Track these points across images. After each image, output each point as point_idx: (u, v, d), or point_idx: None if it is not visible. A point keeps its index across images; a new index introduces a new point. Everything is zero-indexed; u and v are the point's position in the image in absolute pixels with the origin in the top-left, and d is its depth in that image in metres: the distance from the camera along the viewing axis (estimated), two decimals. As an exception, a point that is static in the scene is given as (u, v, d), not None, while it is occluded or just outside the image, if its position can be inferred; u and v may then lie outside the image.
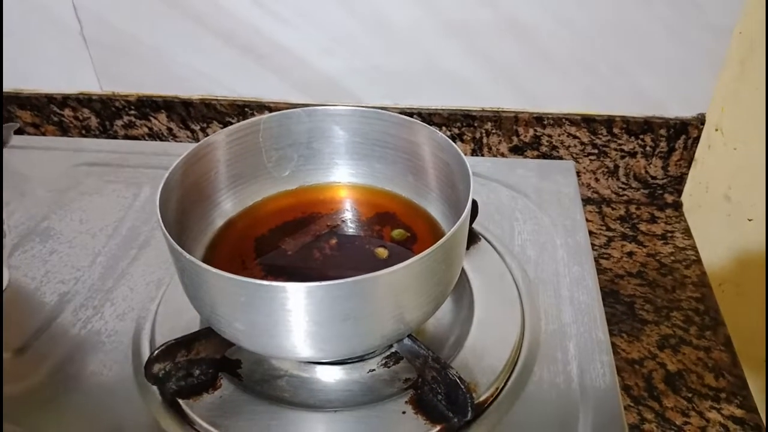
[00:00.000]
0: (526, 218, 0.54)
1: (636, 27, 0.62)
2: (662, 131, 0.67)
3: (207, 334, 0.43)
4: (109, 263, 0.53)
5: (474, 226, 0.52)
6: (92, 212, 0.58)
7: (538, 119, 0.69)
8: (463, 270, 0.49)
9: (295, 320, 0.33)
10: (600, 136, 0.69)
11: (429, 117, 0.71)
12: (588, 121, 0.68)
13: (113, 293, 0.50)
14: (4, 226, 0.49)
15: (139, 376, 0.43)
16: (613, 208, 0.70)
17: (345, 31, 0.67)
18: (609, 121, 0.67)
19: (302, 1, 0.66)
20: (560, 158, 0.70)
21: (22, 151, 0.60)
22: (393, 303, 0.34)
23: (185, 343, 0.42)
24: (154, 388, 0.42)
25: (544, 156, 0.71)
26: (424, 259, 0.32)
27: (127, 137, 0.79)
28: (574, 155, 0.70)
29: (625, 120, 0.67)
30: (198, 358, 0.42)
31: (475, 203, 0.51)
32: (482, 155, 0.72)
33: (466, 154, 0.72)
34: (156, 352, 0.41)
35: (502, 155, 0.72)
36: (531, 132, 0.70)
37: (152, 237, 0.55)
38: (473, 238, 0.51)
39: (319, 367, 0.44)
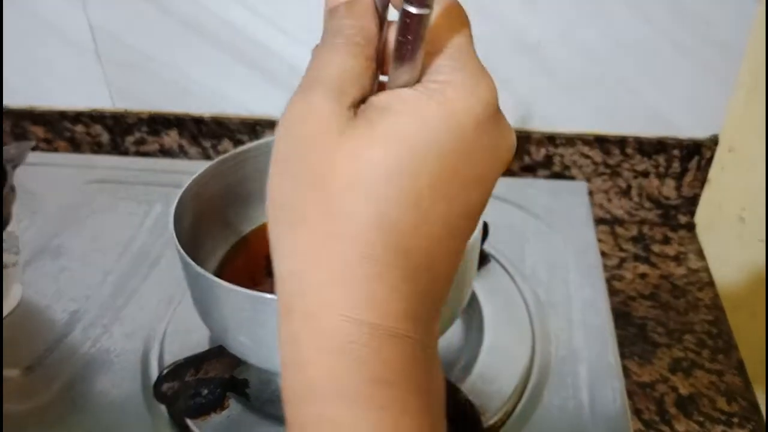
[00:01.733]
0: (538, 239, 0.54)
1: (648, 46, 0.62)
2: (675, 152, 0.66)
3: (215, 353, 0.43)
4: (119, 281, 0.53)
5: (484, 246, 0.52)
6: (104, 230, 0.58)
7: (550, 138, 0.69)
8: (473, 292, 0.49)
9: None
10: (613, 156, 0.68)
11: (440, 135, 0.71)
12: (601, 141, 0.68)
13: (123, 312, 0.50)
14: (18, 244, 0.49)
15: (147, 395, 0.43)
16: (625, 229, 0.70)
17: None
18: (622, 141, 0.67)
19: (314, 20, 0.67)
20: (572, 178, 0.70)
21: (34, 168, 0.60)
22: None
23: (194, 362, 0.42)
24: (163, 407, 0.42)
25: (556, 175, 0.70)
26: None
27: (138, 153, 0.79)
28: (587, 175, 0.70)
29: (638, 140, 0.67)
30: (206, 378, 0.42)
31: (485, 224, 0.51)
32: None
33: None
34: (165, 371, 0.41)
35: (514, 174, 0.72)
36: (543, 151, 0.70)
37: (163, 255, 0.55)
38: (484, 259, 0.51)
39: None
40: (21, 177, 0.46)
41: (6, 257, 0.47)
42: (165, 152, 0.80)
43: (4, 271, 0.48)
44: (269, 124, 0.75)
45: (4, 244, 0.47)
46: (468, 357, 0.44)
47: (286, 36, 0.68)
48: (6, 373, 0.46)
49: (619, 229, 0.69)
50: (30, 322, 0.50)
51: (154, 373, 0.45)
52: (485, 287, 0.49)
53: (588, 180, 0.70)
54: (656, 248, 0.66)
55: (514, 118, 0.69)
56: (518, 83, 0.66)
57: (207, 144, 0.78)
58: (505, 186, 0.62)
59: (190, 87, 0.74)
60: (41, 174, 0.60)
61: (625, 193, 0.70)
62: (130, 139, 0.79)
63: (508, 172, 0.71)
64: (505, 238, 0.53)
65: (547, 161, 0.71)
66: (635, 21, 0.60)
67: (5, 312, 0.50)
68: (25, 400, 0.44)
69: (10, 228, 0.48)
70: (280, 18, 0.67)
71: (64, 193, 0.62)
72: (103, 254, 0.56)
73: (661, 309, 0.58)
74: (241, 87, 0.73)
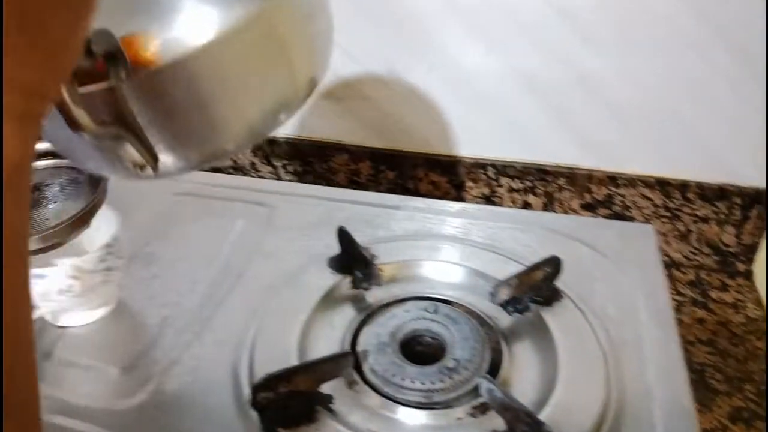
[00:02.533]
0: (607, 278, 0.56)
1: (713, 92, 0.63)
2: (737, 199, 0.68)
3: (306, 368, 0.46)
4: (207, 291, 0.56)
5: (557, 284, 0.54)
6: (190, 241, 0.62)
7: (612, 178, 0.71)
8: (547, 326, 0.51)
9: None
10: (674, 200, 0.70)
11: (503, 168, 0.74)
12: (662, 184, 0.70)
13: (212, 320, 0.53)
14: (123, 250, 0.53)
15: (239, 403, 0.46)
16: (683, 273, 0.71)
17: (424, 81, 0.71)
18: (684, 186, 0.69)
19: (386, 52, 0.70)
20: (632, 219, 0.72)
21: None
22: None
23: (286, 375, 0.45)
24: (254, 415, 0.45)
25: (615, 215, 0.72)
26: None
27: (212, 168, 0.83)
28: (647, 217, 0.72)
29: (700, 186, 0.68)
30: (297, 391, 0.45)
31: (559, 260, 0.53)
32: (553, 210, 0.74)
33: (536, 209, 0.74)
34: (261, 381, 0.44)
35: (574, 212, 0.74)
36: (604, 190, 0.72)
37: (247, 269, 0.59)
38: (556, 294, 0.53)
39: (402, 409, 0.46)
40: (114, 184, 0.48)
41: (112, 261, 0.51)
42: (238, 169, 0.84)
43: (110, 274, 0.51)
44: (338, 149, 0.79)
45: (112, 249, 0.50)
46: (544, 390, 0.46)
47: (360, 66, 0.71)
48: (106, 369, 0.50)
49: (676, 273, 0.71)
50: (125, 324, 0.54)
51: (244, 382, 0.47)
52: (558, 322, 0.51)
53: (647, 221, 0.71)
54: (714, 294, 0.68)
55: (576, 154, 0.71)
56: (581, 122, 0.68)
57: (278, 164, 0.82)
58: (572, 224, 0.65)
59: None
60: (132, 183, 0.63)
61: (684, 237, 0.72)
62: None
63: (570, 210, 0.73)
64: (574, 276, 0.55)
65: (608, 200, 0.73)
66: (701, 66, 0.62)
67: (106, 311, 0.54)
68: (123, 398, 0.47)
69: (118, 233, 0.51)
70: (353, 47, 0.70)
71: (154, 203, 0.65)
72: (190, 264, 0.59)
73: (720, 356, 0.59)
74: (315, 112, 0.77)
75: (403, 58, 0.69)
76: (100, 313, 0.54)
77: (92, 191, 0.46)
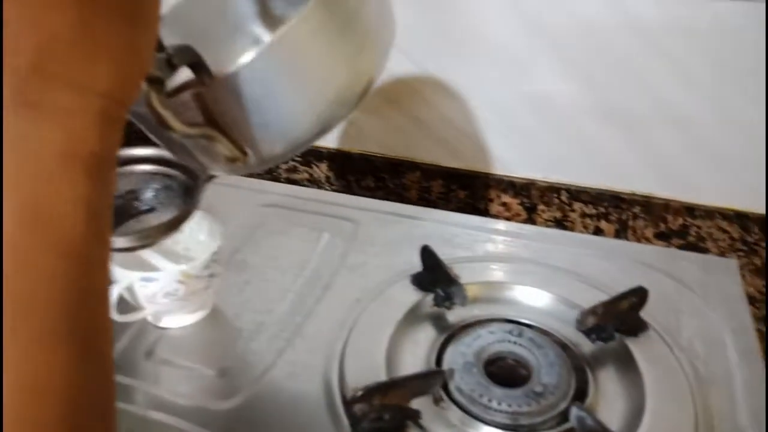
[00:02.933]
0: (693, 313, 0.56)
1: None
2: (817, 236, 0.67)
3: (400, 383, 0.47)
4: (297, 300, 0.58)
5: (642, 314, 0.54)
6: (280, 250, 0.64)
7: (689, 209, 0.71)
8: (632, 356, 0.51)
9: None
10: (752, 234, 0.69)
11: (577, 193, 0.74)
12: (741, 218, 0.69)
13: (303, 329, 0.55)
14: (223, 258, 0.55)
15: (331, 411, 0.48)
16: (757, 308, 0.70)
17: (504, 104, 0.72)
18: (762, 220, 0.68)
19: (467, 74, 0.71)
20: (707, 251, 0.71)
21: (217, 187, 0.67)
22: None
23: (382, 388, 0.46)
24: (346, 424, 0.47)
25: (690, 246, 0.72)
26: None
27: (288, 180, 0.86)
28: (722, 249, 0.71)
29: (780, 220, 0.67)
30: (390, 405, 0.47)
31: (645, 291, 0.54)
32: (626, 238, 0.74)
33: (608, 235, 0.75)
34: (359, 393, 0.45)
35: (647, 240, 0.74)
36: (680, 221, 0.72)
37: (333, 281, 0.61)
38: (642, 325, 0.54)
39: (488, 429, 0.47)
40: (208, 196, 0.51)
41: (215, 268, 0.53)
42: (313, 182, 0.86)
43: (212, 280, 0.54)
44: (412, 167, 0.80)
45: (216, 257, 0.53)
46: (630, 419, 0.47)
47: (438, 86, 0.72)
48: (203, 371, 0.52)
49: (751, 308, 0.70)
50: (221, 328, 0.56)
51: (336, 392, 0.49)
52: (644, 353, 0.51)
53: (722, 254, 0.71)
54: (790, 331, 0.67)
55: (652, 182, 0.71)
56: (660, 150, 0.68)
57: (352, 179, 0.84)
58: (653, 254, 0.65)
59: (343, 124, 0.80)
60: (223, 193, 0.66)
61: (760, 271, 0.71)
62: (283, 166, 0.86)
63: (644, 239, 0.74)
64: (660, 308, 0.55)
65: (683, 231, 0.73)
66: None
67: (203, 315, 0.57)
68: (221, 400, 0.50)
69: (220, 242, 0.54)
70: (433, 66, 0.72)
71: (243, 212, 0.68)
72: (281, 273, 0.61)
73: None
74: (391, 130, 0.79)
75: (484, 80, 0.71)
76: (197, 316, 0.56)
77: (184, 199, 0.49)
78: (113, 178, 0.24)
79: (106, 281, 0.23)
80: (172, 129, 0.31)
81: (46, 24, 0.20)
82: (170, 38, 0.31)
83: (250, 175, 0.83)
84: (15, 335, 0.19)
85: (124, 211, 0.45)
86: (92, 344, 0.22)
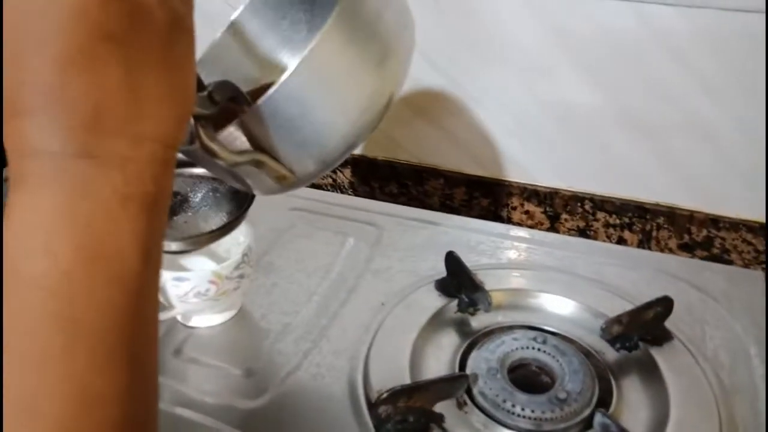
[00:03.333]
0: (718, 323, 0.56)
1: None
2: None
3: (425, 386, 0.48)
4: (323, 302, 0.59)
5: (666, 324, 0.54)
6: (306, 254, 0.65)
7: (714, 221, 0.71)
8: (657, 365, 0.51)
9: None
10: (778, 246, 0.69)
11: (601, 203, 0.74)
12: (766, 230, 0.69)
13: (328, 331, 0.56)
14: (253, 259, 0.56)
15: (356, 412, 0.49)
16: (782, 321, 0.70)
17: (528, 113, 0.72)
18: (789, 232, 0.68)
19: (492, 82, 0.72)
20: (731, 262, 0.71)
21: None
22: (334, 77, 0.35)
23: (407, 391, 0.47)
24: (371, 425, 0.47)
25: (714, 258, 0.72)
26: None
27: (312, 185, 0.87)
28: (746, 262, 0.71)
29: (807, 232, 0.67)
30: (415, 407, 0.47)
31: (671, 301, 0.54)
32: (649, 248, 0.74)
33: (631, 246, 0.75)
34: (384, 395, 0.46)
35: (671, 251, 0.74)
36: (704, 232, 0.72)
37: (358, 285, 0.62)
38: (666, 335, 0.54)
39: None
40: None
41: (245, 269, 0.55)
42: (336, 187, 0.87)
43: (242, 281, 0.55)
44: (435, 174, 0.81)
45: (247, 258, 0.54)
46: (654, 428, 0.47)
47: (464, 94, 0.73)
48: (230, 370, 0.53)
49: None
50: (248, 328, 0.57)
51: (360, 393, 0.50)
52: (668, 362, 0.51)
53: (746, 266, 0.71)
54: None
55: (677, 193, 0.71)
56: (685, 161, 0.68)
57: (375, 185, 0.85)
58: (678, 264, 0.65)
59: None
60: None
61: (786, 284, 0.70)
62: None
63: (667, 249, 0.73)
64: (684, 318, 0.55)
65: (707, 242, 0.72)
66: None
67: (230, 315, 0.58)
68: (247, 399, 0.51)
69: (251, 243, 0.55)
70: (457, 73, 0.72)
71: (271, 215, 0.70)
72: (307, 276, 0.62)
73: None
74: (415, 136, 0.80)
75: (508, 88, 0.71)
76: (226, 316, 0.58)
77: (231, 203, 0.50)
78: (166, 214, 0.26)
79: (157, 309, 0.26)
80: (222, 160, 0.33)
81: (98, 86, 0.23)
82: (209, 77, 0.34)
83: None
84: (74, 356, 0.22)
85: (172, 213, 0.47)
86: (141, 365, 0.24)
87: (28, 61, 0.22)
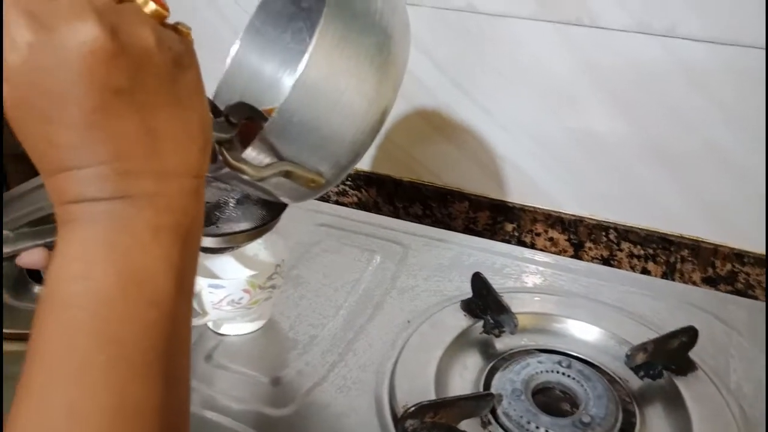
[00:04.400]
0: (742, 356, 0.56)
1: None
2: None
3: (451, 403, 0.49)
4: (349, 317, 0.60)
5: (690, 354, 0.55)
6: (333, 269, 0.67)
7: (739, 256, 0.71)
8: (680, 394, 0.52)
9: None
10: (802, 284, 0.69)
11: (625, 233, 0.75)
12: (792, 267, 0.69)
13: (354, 344, 0.57)
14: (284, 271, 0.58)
15: (382, 426, 0.49)
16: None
17: (553, 139, 0.73)
18: (815, 271, 0.68)
19: (518, 107, 0.73)
20: (755, 298, 0.71)
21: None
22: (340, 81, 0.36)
23: (434, 407, 0.48)
24: (396, 439, 0.48)
25: (737, 293, 0.72)
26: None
27: (337, 203, 0.89)
28: (770, 297, 0.71)
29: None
30: (440, 423, 0.48)
31: (695, 331, 0.54)
32: (672, 280, 0.75)
33: (656, 276, 0.75)
34: (411, 409, 0.47)
35: (694, 284, 0.74)
36: (728, 266, 0.72)
37: (384, 301, 0.63)
38: (690, 365, 0.54)
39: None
40: None
41: (277, 280, 0.56)
42: (361, 206, 0.89)
43: (273, 292, 0.56)
44: (460, 196, 0.82)
45: (279, 270, 0.56)
46: (678, 456, 0.47)
47: (490, 119, 0.75)
48: (258, 379, 0.54)
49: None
50: (277, 339, 0.59)
51: (386, 407, 0.51)
52: (692, 392, 0.52)
53: (770, 302, 0.71)
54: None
55: (702, 227, 0.71)
56: (711, 195, 0.69)
57: (399, 205, 0.87)
58: (704, 296, 0.65)
59: (394, 152, 0.83)
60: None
61: (809, 323, 0.70)
62: (333, 189, 0.89)
63: (691, 282, 0.74)
64: (708, 349, 0.56)
65: (731, 277, 0.73)
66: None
67: (260, 325, 0.59)
68: (273, 408, 0.52)
69: (285, 256, 0.57)
70: (485, 98, 0.74)
71: (300, 230, 0.71)
72: (334, 290, 0.64)
73: None
74: (440, 159, 0.81)
75: (535, 114, 0.73)
76: (255, 325, 0.59)
77: (264, 209, 0.52)
78: (198, 239, 0.29)
79: (189, 327, 0.28)
80: (252, 177, 0.35)
81: (118, 136, 0.25)
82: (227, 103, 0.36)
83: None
84: (113, 371, 0.24)
85: (207, 221, 0.48)
86: (175, 380, 0.26)
87: (50, 127, 0.24)
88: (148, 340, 0.25)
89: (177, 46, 0.27)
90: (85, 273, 0.25)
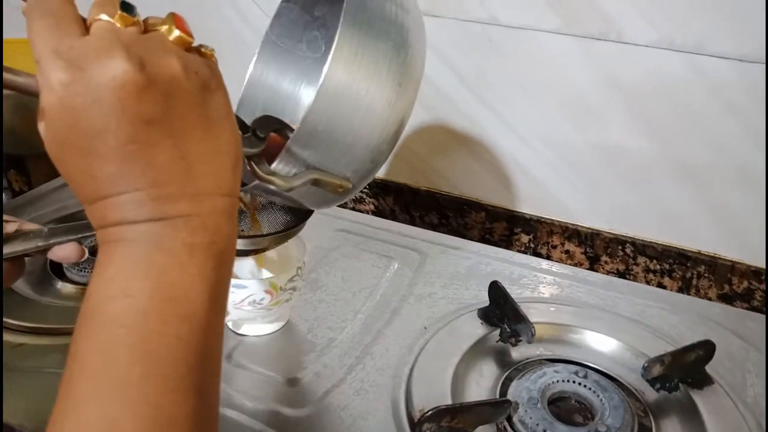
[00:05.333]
0: (759, 372, 0.56)
1: None
2: None
3: (468, 408, 0.49)
4: (367, 321, 0.61)
5: (707, 368, 0.55)
6: (352, 273, 0.67)
7: (756, 273, 0.71)
8: (697, 408, 0.52)
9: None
10: (820, 304, 0.69)
11: (642, 247, 0.75)
12: (809, 286, 0.69)
13: (372, 348, 0.58)
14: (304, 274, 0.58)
15: (399, 428, 0.50)
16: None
17: (573, 153, 0.74)
18: (833, 291, 0.68)
19: (538, 120, 0.74)
20: (771, 316, 0.71)
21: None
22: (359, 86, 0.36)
23: (451, 411, 0.48)
24: (412, 443, 0.48)
25: (753, 309, 0.72)
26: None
27: (354, 209, 0.90)
28: (787, 316, 0.71)
29: None
30: (456, 427, 0.48)
31: (713, 345, 0.55)
32: (688, 295, 0.75)
33: (672, 290, 0.75)
34: (428, 413, 0.47)
35: (710, 300, 0.74)
36: (745, 284, 0.72)
37: (402, 307, 0.63)
38: (707, 379, 0.54)
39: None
40: None
41: (298, 282, 0.57)
42: (378, 213, 0.90)
43: (293, 294, 0.57)
44: (477, 207, 0.83)
45: (300, 272, 0.56)
46: (695, 469, 0.47)
47: (510, 131, 0.76)
48: (276, 378, 0.55)
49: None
50: (295, 340, 0.59)
51: (402, 410, 0.51)
52: (708, 406, 0.52)
53: (786, 321, 0.70)
54: None
55: (720, 243, 0.71)
56: (733, 213, 0.69)
57: (416, 214, 0.87)
58: (722, 312, 0.65)
59: (413, 161, 0.84)
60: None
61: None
62: (352, 197, 0.90)
63: (704, 297, 0.74)
64: (725, 364, 0.56)
65: (748, 294, 0.72)
66: None
67: (279, 327, 0.60)
68: (291, 408, 0.52)
69: (305, 258, 0.57)
70: (505, 110, 0.75)
71: (320, 235, 0.72)
72: (352, 295, 0.64)
73: None
74: (459, 169, 0.82)
75: (554, 126, 0.73)
76: (274, 327, 0.60)
77: (288, 213, 0.53)
78: (231, 256, 0.30)
79: (221, 341, 0.29)
80: (281, 188, 0.36)
81: (153, 164, 0.26)
82: (250, 117, 0.37)
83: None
84: (149, 383, 0.25)
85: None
86: (207, 392, 0.27)
87: (88, 161, 0.26)
88: (181, 353, 0.26)
89: (203, 70, 0.28)
90: (124, 291, 0.26)
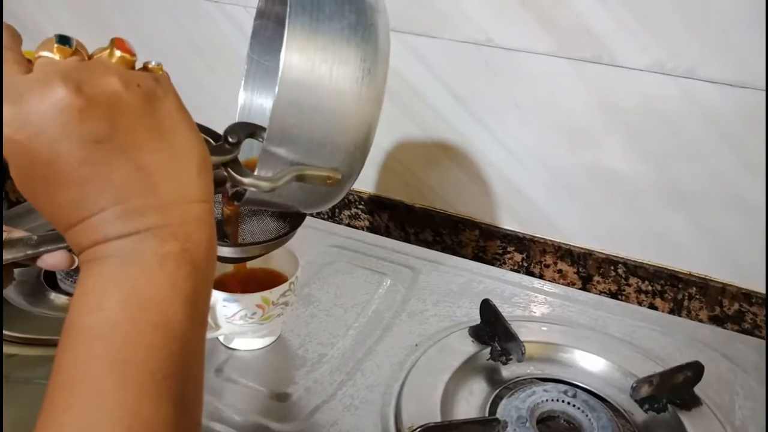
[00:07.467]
0: (747, 394, 0.56)
1: None
2: None
3: (458, 426, 0.49)
4: (358, 337, 0.61)
5: (695, 390, 0.55)
6: (344, 289, 0.68)
7: (747, 295, 0.71)
8: (685, 429, 0.52)
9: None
10: (810, 327, 0.69)
11: (634, 268, 0.76)
12: (800, 309, 0.69)
13: (363, 365, 0.58)
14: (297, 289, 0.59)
15: (388, 446, 0.50)
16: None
17: (567, 174, 0.75)
18: (823, 315, 0.68)
19: (533, 141, 0.75)
20: (762, 338, 0.71)
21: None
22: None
23: (440, 428, 0.48)
24: (401, 460, 0.48)
25: (744, 332, 0.72)
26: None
27: (349, 225, 0.90)
28: (775, 338, 0.71)
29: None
30: (446, 445, 0.48)
31: (701, 366, 0.55)
32: (679, 316, 0.75)
33: (663, 311, 0.75)
34: (418, 429, 0.47)
35: (701, 322, 0.74)
36: (736, 306, 0.73)
37: (393, 324, 0.63)
38: (695, 400, 0.54)
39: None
40: None
41: (290, 297, 0.57)
42: (373, 230, 0.90)
43: (285, 308, 0.57)
44: (471, 225, 0.84)
45: (293, 287, 0.57)
46: (682, 491, 0.47)
47: (505, 150, 0.76)
48: (266, 393, 0.55)
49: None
50: (286, 356, 0.59)
51: (392, 427, 0.51)
52: (696, 428, 0.52)
53: (776, 344, 0.71)
54: None
55: (711, 265, 0.72)
56: (724, 236, 0.70)
57: (411, 230, 0.88)
58: (712, 334, 0.66)
59: (409, 178, 0.85)
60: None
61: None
62: (346, 212, 0.90)
63: (695, 318, 0.74)
64: (714, 386, 0.56)
65: (738, 316, 0.73)
66: None
67: (270, 341, 0.60)
68: (281, 422, 0.52)
69: (298, 273, 0.58)
70: (500, 130, 0.75)
71: (312, 250, 0.73)
72: (344, 310, 0.65)
73: None
74: (452, 187, 0.82)
75: (550, 148, 0.74)
76: (266, 341, 0.60)
77: (279, 221, 0.53)
78: (210, 262, 0.30)
79: (202, 349, 0.29)
80: (267, 188, 0.36)
81: (111, 182, 0.27)
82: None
83: (319, 215, 0.88)
84: (125, 390, 0.25)
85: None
86: (184, 399, 0.27)
87: (50, 190, 0.26)
88: (156, 361, 0.26)
89: (146, 82, 0.28)
90: (98, 304, 0.26)
